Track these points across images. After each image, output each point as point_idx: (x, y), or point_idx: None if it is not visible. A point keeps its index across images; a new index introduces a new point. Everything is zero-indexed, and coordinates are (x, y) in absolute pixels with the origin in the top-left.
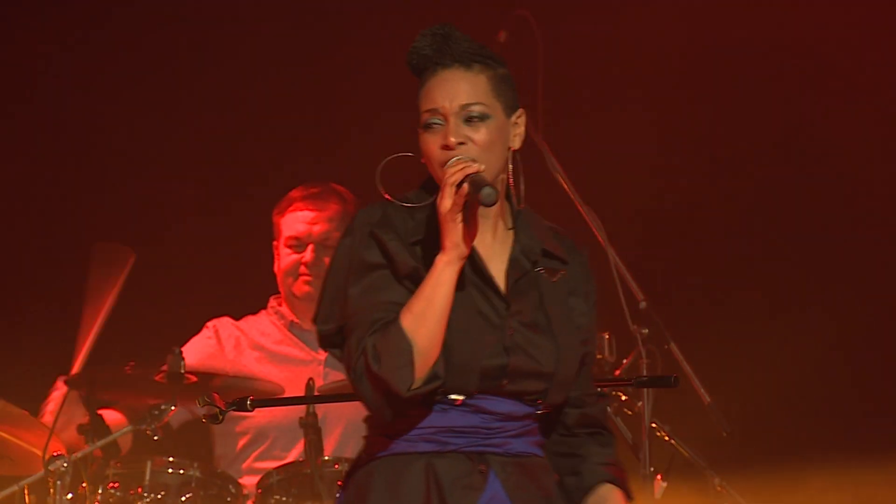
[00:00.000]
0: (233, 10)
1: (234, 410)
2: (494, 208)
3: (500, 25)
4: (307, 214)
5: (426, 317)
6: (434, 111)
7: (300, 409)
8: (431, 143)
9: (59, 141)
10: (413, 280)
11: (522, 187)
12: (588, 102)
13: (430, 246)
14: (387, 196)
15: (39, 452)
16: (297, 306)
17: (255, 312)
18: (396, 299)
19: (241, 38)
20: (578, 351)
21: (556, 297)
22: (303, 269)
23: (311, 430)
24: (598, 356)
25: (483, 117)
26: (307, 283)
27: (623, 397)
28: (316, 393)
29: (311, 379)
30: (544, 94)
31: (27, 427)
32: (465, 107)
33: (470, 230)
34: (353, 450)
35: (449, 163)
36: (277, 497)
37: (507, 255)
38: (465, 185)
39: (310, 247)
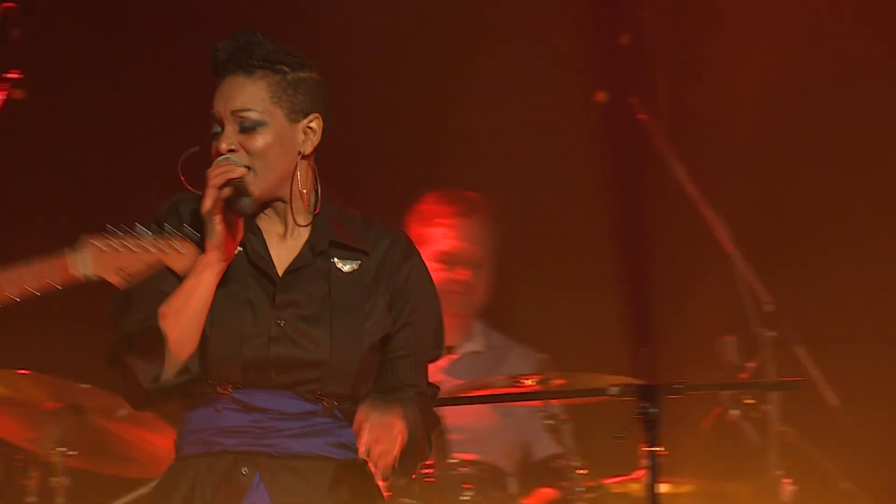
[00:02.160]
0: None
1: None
2: (283, 206)
3: (621, 28)
4: (460, 231)
5: (181, 314)
6: (213, 116)
7: None
8: (213, 148)
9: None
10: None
11: (318, 189)
12: (709, 103)
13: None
14: (188, 187)
15: (166, 454)
16: None
17: None
18: (168, 289)
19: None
20: (362, 341)
21: (344, 287)
22: (454, 287)
23: (437, 434)
24: (726, 359)
25: (257, 125)
26: (456, 301)
27: (750, 401)
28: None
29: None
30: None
31: (154, 429)
32: (236, 113)
33: (233, 232)
34: (478, 452)
35: (214, 164)
36: (403, 499)
37: (299, 246)
38: (227, 189)
39: (463, 266)
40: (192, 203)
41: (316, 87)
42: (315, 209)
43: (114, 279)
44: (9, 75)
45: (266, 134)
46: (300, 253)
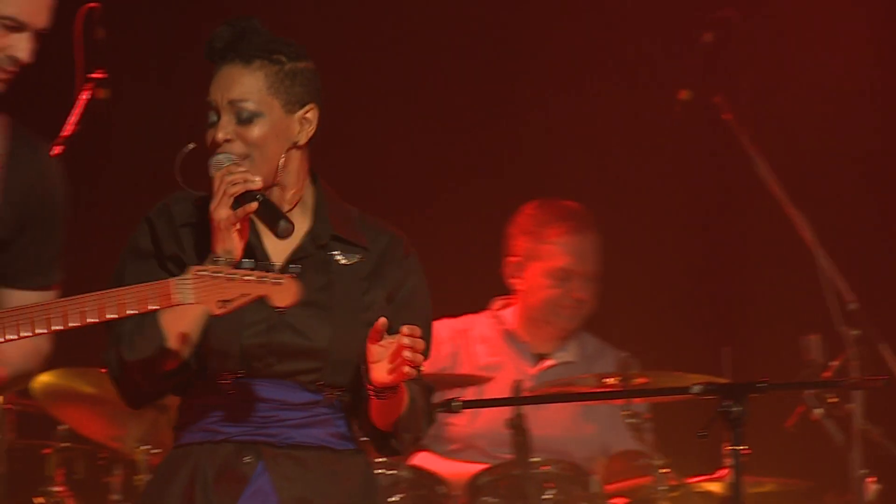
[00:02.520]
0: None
1: (442, 412)
2: (279, 196)
3: (705, 26)
4: (574, 249)
5: (185, 314)
6: (209, 105)
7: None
8: (207, 137)
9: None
10: (176, 264)
11: (311, 181)
12: (792, 101)
13: (199, 230)
14: (181, 184)
15: None
16: (537, 324)
17: (474, 311)
18: None
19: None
20: (362, 331)
21: (345, 280)
22: (569, 303)
23: (519, 432)
24: (809, 357)
25: (253, 115)
26: (569, 316)
27: (833, 400)
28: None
29: (517, 381)
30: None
31: None
32: (233, 103)
33: (242, 235)
34: (560, 451)
35: (218, 165)
36: (486, 498)
37: (296, 238)
38: (254, 205)
39: (578, 282)
40: (183, 203)
41: (312, 78)
42: (311, 200)
43: (214, 309)
44: (93, 75)
45: (263, 125)
46: (301, 244)
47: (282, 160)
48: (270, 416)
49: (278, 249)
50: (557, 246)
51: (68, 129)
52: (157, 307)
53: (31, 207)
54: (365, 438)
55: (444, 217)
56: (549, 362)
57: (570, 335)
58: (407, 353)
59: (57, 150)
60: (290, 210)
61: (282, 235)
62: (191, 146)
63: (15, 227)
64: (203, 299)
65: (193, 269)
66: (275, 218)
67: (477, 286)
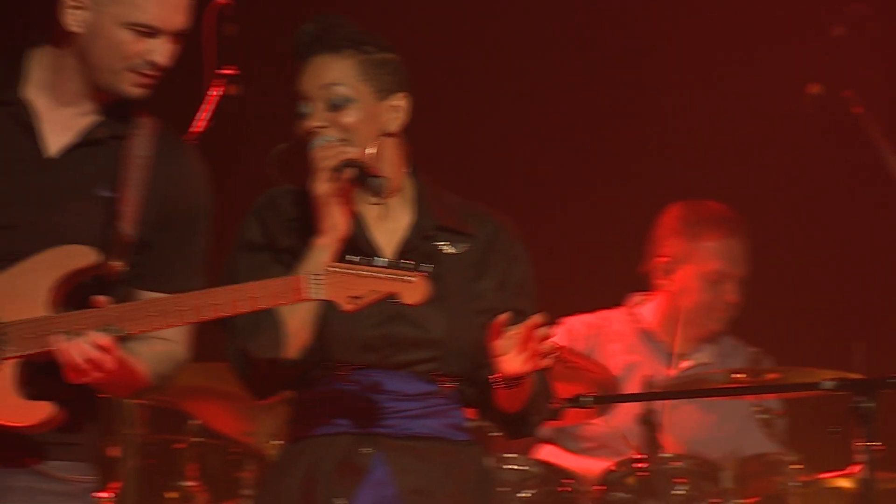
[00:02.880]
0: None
1: (571, 407)
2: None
3: (835, 20)
4: (729, 252)
5: (305, 305)
6: (301, 96)
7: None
8: (301, 128)
9: None
10: (291, 256)
11: (404, 168)
12: None
13: (308, 224)
14: (279, 180)
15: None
16: (685, 331)
17: (609, 307)
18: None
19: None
20: (475, 320)
21: (454, 270)
22: (723, 307)
23: (650, 427)
24: None
25: (346, 101)
26: (721, 319)
27: None
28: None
29: (649, 377)
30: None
31: None
32: (325, 88)
33: (347, 211)
34: (691, 447)
35: (316, 144)
36: (616, 493)
37: (400, 229)
38: (349, 171)
39: (731, 285)
40: (288, 196)
41: (400, 68)
42: (411, 191)
43: (345, 305)
44: (224, 71)
45: (355, 110)
46: (407, 236)
47: (374, 148)
48: (387, 408)
49: (385, 242)
50: (712, 249)
51: (199, 125)
52: (289, 302)
53: (173, 210)
54: (482, 425)
55: (579, 213)
56: (686, 363)
57: (712, 337)
58: (539, 340)
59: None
60: (391, 198)
61: (377, 192)
62: (284, 145)
63: (156, 228)
64: (334, 295)
65: (325, 265)
66: (370, 179)
67: (610, 282)
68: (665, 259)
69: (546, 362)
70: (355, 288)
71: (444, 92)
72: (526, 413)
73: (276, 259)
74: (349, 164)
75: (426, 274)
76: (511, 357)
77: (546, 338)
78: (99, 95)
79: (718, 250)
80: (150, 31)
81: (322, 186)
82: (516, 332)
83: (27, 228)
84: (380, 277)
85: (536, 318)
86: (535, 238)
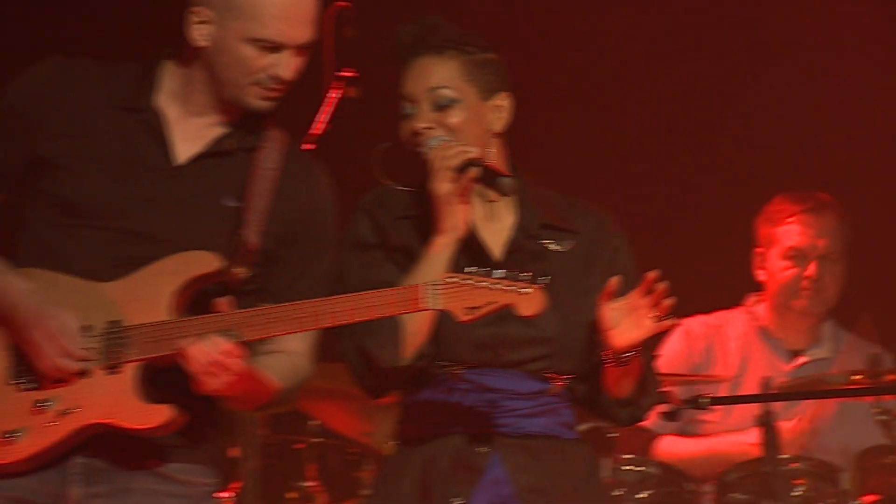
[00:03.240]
0: None
1: (690, 408)
2: (482, 187)
3: None
4: (809, 228)
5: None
6: (405, 97)
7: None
8: (404, 129)
9: None
10: (404, 254)
11: (509, 167)
12: None
13: (423, 222)
14: (384, 180)
15: None
16: (786, 315)
17: (727, 307)
18: (387, 278)
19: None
20: (585, 317)
21: (562, 267)
22: (805, 283)
23: (768, 429)
24: None
25: (451, 101)
26: (808, 297)
27: None
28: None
29: (767, 378)
30: None
31: None
32: (431, 90)
33: (465, 211)
34: (810, 448)
35: (433, 144)
36: (734, 494)
37: (505, 228)
38: (473, 171)
39: (813, 261)
40: (394, 195)
41: (502, 67)
42: (515, 189)
43: (462, 316)
44: (343, 73)
45: (460, 110)
46: (513, 236)
47: (482, 147)
48: (501, 406)
49: (492, 242)
50: (791, 226)
51: (318, 127)
52: (407, 312)
53: (299, 224)
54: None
55: (697, 214)
56: (802, 359)
57: (818, 328)
58: (656, 299)
59: (307, 147)
60: (496, 199)
61: (506, 192)
62: (387, 145)
63: (282, 241)
64: (451, 305)
65: (444, 275)
66: (497, 178)
67: (730, 283)
68: (759, 249)
69: (662, 325)
70: (472, 299)
71: (546, 90)
72: (637, 396)
73: (387, 257)
74: (472, 163)
75: (542, 285)
76: (622, 329)
77: (662, 293)
78: (226, 107)
79: (796, 228)
80: (273, 46)
81: (443, 186)
82: (625, 302)
83: (155, 234)
84: (497, 289)
85: (651, 275)
86: (654, 239)
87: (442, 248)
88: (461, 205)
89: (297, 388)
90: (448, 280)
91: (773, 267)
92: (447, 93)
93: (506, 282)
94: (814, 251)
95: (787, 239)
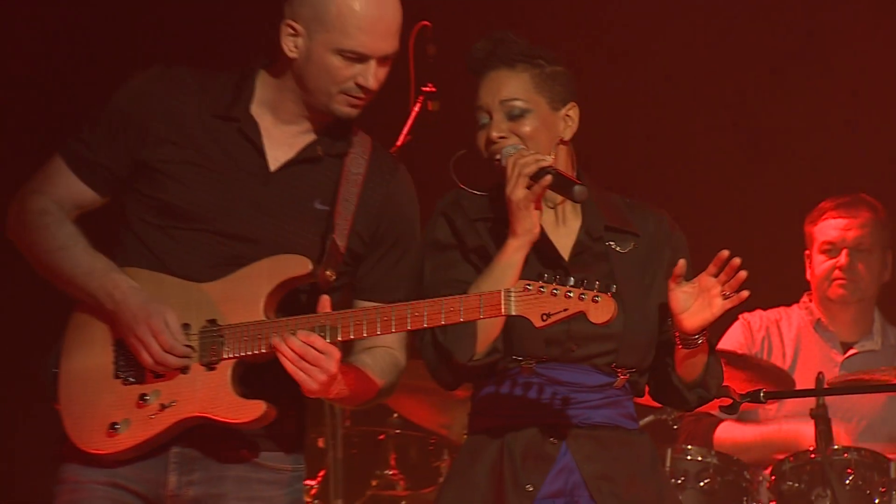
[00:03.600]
0: None
1: (749, 402)
2: (551, 192)
3: None
4: (840, 221)
5: None
6: (481, 108)
7: (810, 402)
8: (480, 138)
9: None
10: (479, 255)
11: (575, 173)
12: None
13: (497, 224)
14: (460, 185)
15: None
16: (830, 308)
17: (788, 304)
18: (463, 277)
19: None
20: (651, 315)
21: (625, 267)
22: (837, 273)
23: (822, 421)
24: None
25: (524, 112)
26: (841, 286)
27: None
28: (826, 386)
29: (820, 373)
30: None
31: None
32: (504, 102)
33: (538, 215)
34: (861, 439)
35: (510, 152)
36: (790, 483)
37: (572, 231)
38: (548, 178)
39: (843, 251)
40: (469, 198)
41: (570, 79)
42: (587, 196)
43: (537, 322)
44: (425, 88)
45: (532, 119)
46: (578, 238)
47: (552, 155)
48: (569, 399)
49: (561, 245)
50: (826, 222)
51: (402, 139)
52: (486, 317)
53: (385, 225)
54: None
55: (759, 213)
56: (853, 351)
57: (868, 322)
58: (729, 274)
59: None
60: (562, 204)
61: (579, 199)
62: (462, 152)
63: (369, 242)
64: (527, 312)
65: (522, 283)
66: (569, 185)
67: (788, 283)
68: (808, 251)
69: (734, 299)
70: (547, 306)
71: (608, 99)
72: (704, 378)
73: (463, 257)
74: (547, 171)
75: (612, 293)
76: (692, 311)
77: (736, 267)
78: (316, 115)
79: (830, 223)
80: (358, 57)
81: (520, 192)
82: (693, 284)
83: (250, 237)
84: (570, 297)
85: (723, 254)
86: (719, 235)
87: (516, 250)
88: (535, 209)
89: (397, 381)
90: (526, 287)
91: (814, 263)
92: (519, 104)
93: (579, 290)
94: (843, 243)
95: (822, 234)
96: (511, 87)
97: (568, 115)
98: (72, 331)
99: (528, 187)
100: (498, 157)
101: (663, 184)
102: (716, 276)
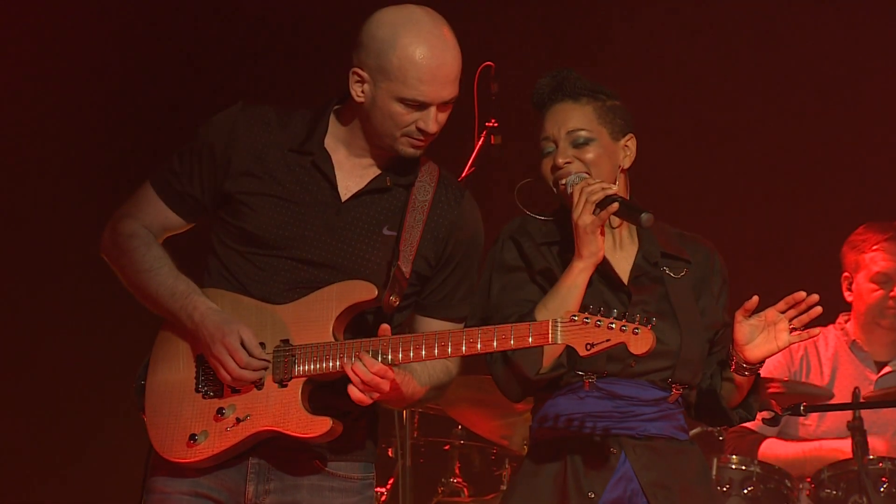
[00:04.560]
0: None
1: (791, 414)
2: (612, 218)
3: None
4: (892, 255)
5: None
6: (547, 138)
7: (847, 415)
8: (545, 166)
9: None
10: (545, 277)
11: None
12: None
13: (561, 248)
14: (525, 210)
15: None
16: (874, 331)
17: (824, 325)
18: (530, 297)
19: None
20: (703, 335)
21: (679, 290)
22: (891, 303)
23: (858, 433)
24: None
25: (588, 141)
26: (894, 315)
27: None
28: (861, 401)
29: (857, 388)
30: None
31: None
32: (570, 132)
33: (602, 240)
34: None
35: (574, 181)
36: (828, 490)
37: (630, 256)
38: (615, 205)
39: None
40: (533, 223)
41: (628, 113)
42: (652, 223)
43: (581, 350)
44: (488, 123)
45: (596, 148)
46: (636, 262)
47: (616, 184)
48: (628, 412)
49: (620, 270)
50: (877, 253)
51: (467, 170)
52: (535, 345)
53: (449, 248)
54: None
55: (793, 242)
56: (887, 369)
57: None
58: (804, 309)
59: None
60: (619, 228)
61: (646, 225)
62: (528, 180)
63: (435, 265)
64: (573, 341)
65: (566, 312)
66: (636, 212)
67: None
68: (847, 273)
69: (801, 336)
70: (591, 336)
71: (657, 131)
72: (747, 400)
73: (531, 278)
74: (613, 198)
75: (652, 326)
76: (756, 343)
77: (812, 304)
78: (382, 151)
79: (881, 255)
80: (419, 105)
81: (587, 217)
82: (759, 318)
83: (323, 262)
84: (612, 329)
85: (799, 295)
86: (753, 266)
87: (581, 272)
88: (599, 235)
89: (446, 386)
90: (572, 318)
91: (861, 289)
92: (584, 133)
93: (620, 322)
94: None
95: (874, 265)
96: (576, 118)
97: (627, 146)
98: (158, 346)
99: (595, 213)
100: (563, 182)
101: (700, 211)
102: (783, 312)
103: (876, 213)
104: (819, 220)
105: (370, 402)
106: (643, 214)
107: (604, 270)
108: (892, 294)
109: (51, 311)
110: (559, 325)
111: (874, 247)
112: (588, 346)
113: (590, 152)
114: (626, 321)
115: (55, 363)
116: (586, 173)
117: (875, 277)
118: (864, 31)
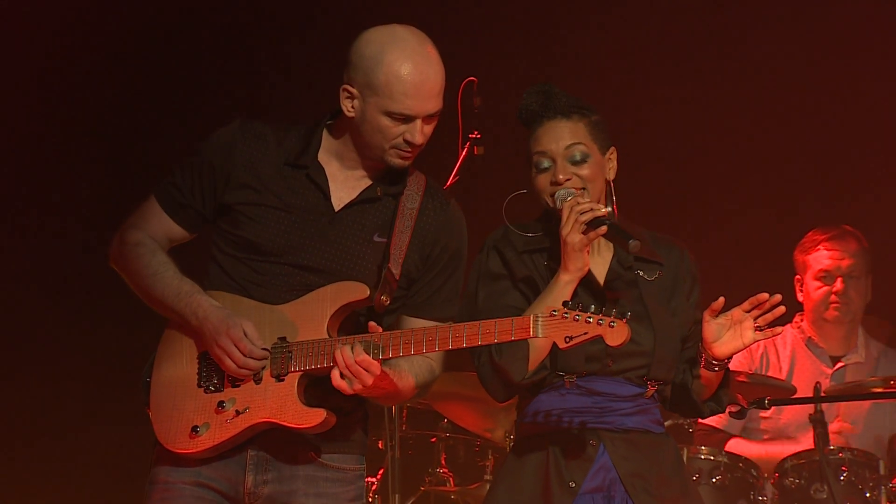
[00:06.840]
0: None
1: (756, 408)
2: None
3: None
4: (834, 252)
5: None
6: (543, 154)
7: (810, 408)
8: (542, 181)
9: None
10: (527, 284)
11: (615, 209)
12: None
13: (543, 255)
14: (509, 225)
15: None
16: (823, 327)
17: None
18: (514, 303)
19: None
20: (676, 334)
21: (653, 292)
22: (833, 297)
23: (819, 425)
24: None
25: (585, 157)
26: (837, 308)
27: None
28: (822, 394)
29: (818, 382)
30: None
31: None
32: (568, 148)
33: (587, 257)
34: (853, 441)
35: (564, 198)
36: (791, 479)
37: (605, 261)
38: (604, 228)
39: (839, 279)
40: (515, 234)
41: (608, 126)
42: (639, 249)
43: (560, 343)
44: (471, 135)
45: (591, 164)
46: (611, 267)
47: (609, 207)
48: (606, 407)
49: (597, 273)
50: (820, 252)
51: (451, 179)
52: (517, 339)
53: (436, 252)
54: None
55: (762, 240)
56: (840, 364)
57: (853, 338)
58: (767, 309)
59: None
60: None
61: (633, 251)
62: (518, 192)
63: (421, 267)
64: (553, 335)
65: (547, 308)
66: (624, 237)
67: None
68: (798, 276)
69: (765, 334)
70: (570, 330)
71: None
72: (717, 393)
73: (513, 286)
74: (603, 221)
75: (627, 319)
76: (724, 340)
77: (774, 304)
78: (373, 163)
79: (824, 253)
80: (405, 118)
81: (575, 236)
82: (726, 317)
83: (318, 267)
84: (590, 322)
85: (762, 296)
86: (716, 271)
87: (566, 284)
88: (586, 253)
89: (431, 383)
90: (552, 313)
91: (809, 288)
92: (581, 149)
93: (597, 316)
94: (838, 271)
95: (817, 263)
96: (573, 135)
97: (610, 159)
98: (163, 345)
99: (584, 232)
100: (553, 195)
101: (677, 218)
102: (748, 311)
103: (837, 220)
104: (782, 226)
105: (350, 390)
106: (631, 241)
107: (586, 276)
108: (833, 289)
109: (62, 315)
110: (540, 319)
111: (817, 247)
112: (567, 339)
113: (586, 168)
114: (603, 315)
115: (66, 365)
116: (583, 188)
117: (818, 275)
118: (834, 38)
